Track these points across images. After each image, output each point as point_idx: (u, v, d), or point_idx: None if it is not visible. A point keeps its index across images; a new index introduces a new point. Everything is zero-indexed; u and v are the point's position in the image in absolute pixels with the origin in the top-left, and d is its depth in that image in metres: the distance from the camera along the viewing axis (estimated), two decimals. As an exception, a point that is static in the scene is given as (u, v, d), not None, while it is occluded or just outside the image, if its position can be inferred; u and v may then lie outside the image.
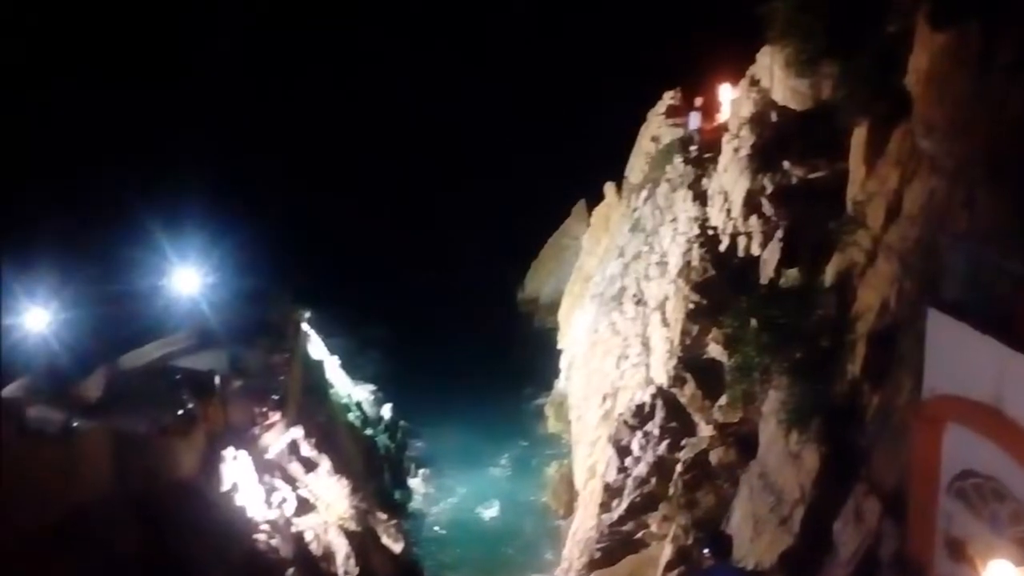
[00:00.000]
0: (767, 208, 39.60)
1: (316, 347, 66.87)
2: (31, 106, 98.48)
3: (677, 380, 41.29)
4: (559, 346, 74.27)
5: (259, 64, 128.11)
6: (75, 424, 39.53)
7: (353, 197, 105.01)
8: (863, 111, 25.69)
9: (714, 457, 35.40)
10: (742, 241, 41.01)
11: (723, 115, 54.06)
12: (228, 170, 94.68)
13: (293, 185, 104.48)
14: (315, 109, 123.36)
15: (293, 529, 45.75)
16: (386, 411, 70.85)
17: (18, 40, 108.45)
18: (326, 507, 49.08)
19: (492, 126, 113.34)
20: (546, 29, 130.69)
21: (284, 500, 46.48)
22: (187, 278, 54.80)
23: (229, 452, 44.33)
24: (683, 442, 38.79)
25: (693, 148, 55.45)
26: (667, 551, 33.38)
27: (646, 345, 48.45)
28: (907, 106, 22.16)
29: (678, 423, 40.26)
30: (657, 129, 65.77)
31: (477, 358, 75.33)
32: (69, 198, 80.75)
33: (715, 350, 39.69)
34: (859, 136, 26.23)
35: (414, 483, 65.19)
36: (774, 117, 43.16)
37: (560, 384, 70.44)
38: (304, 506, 47.47)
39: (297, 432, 50.67)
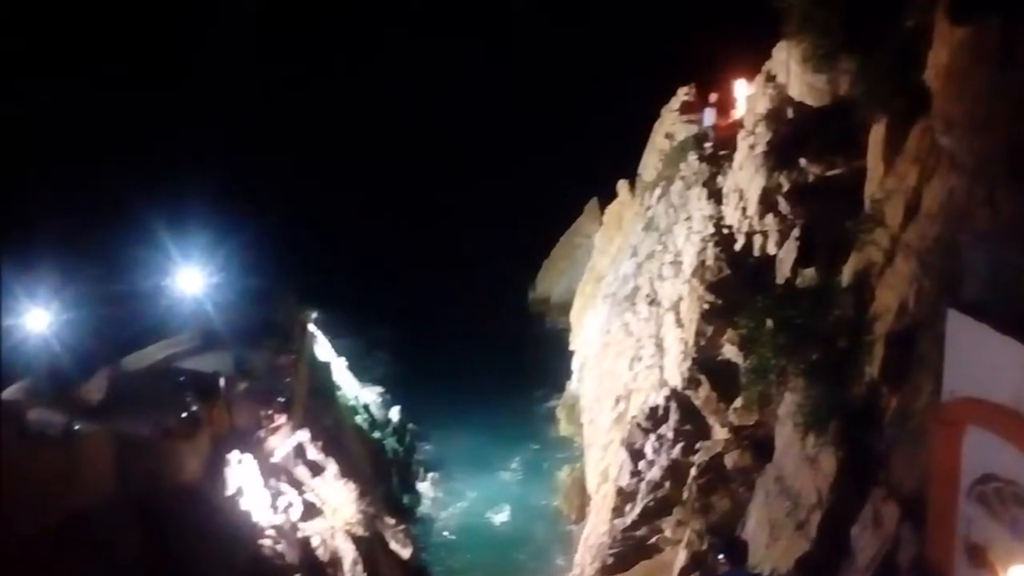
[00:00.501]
0: (783, 206, 39.59)
1: (323, 348, 67.00)
2: (31, 106, 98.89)
3: (691, 382, 41.28)
4: (571, 347, 74.33)
5: (260, 64, 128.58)
6: (76, 427, 39.69)
7: (361, 196, 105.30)
8: (881, 107, 25.67)
9: (729, 461, 35.37)
10: (758, 240, 41.00)
11: (738, 111, 54.12)
12: (232, 169, 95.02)
13: (299, 184, 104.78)
14: (321, 108, 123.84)
15: (299, 534, 45.85)
16: (394, 413, 70.95)
17: (18, 40, 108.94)
18: (333, 512, 49.17)
19: (503, 124, 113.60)
20: (557, 24, 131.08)
21: (290, 504, 46.58)
22: (191, 278, 54.90)
23: (234, 455, 44.42)
24: (697, 445, 38.77)
25: (708, 145, 55.50)
26: (681, 557, 33.36)
27: (660, 346, 48.46)
28: (926, 102, 22.14)
29: (692, 426, 40.25)
30: (671, 126, 65.84)
31: (487, 360, 75.47)
32: (69, 198, 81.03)
33: (730, 351, 39.68)
34: (877, 133, 26.21)
35: (423, 487, 65.30)
36: (790, 113, 43.15)
37: (572, 386, 70.51)
38: (310, 511, 47.58)
39: (303, 435, 50.79)
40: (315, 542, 45.85)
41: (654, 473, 40.64)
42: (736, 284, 41.66)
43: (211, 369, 49.19)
